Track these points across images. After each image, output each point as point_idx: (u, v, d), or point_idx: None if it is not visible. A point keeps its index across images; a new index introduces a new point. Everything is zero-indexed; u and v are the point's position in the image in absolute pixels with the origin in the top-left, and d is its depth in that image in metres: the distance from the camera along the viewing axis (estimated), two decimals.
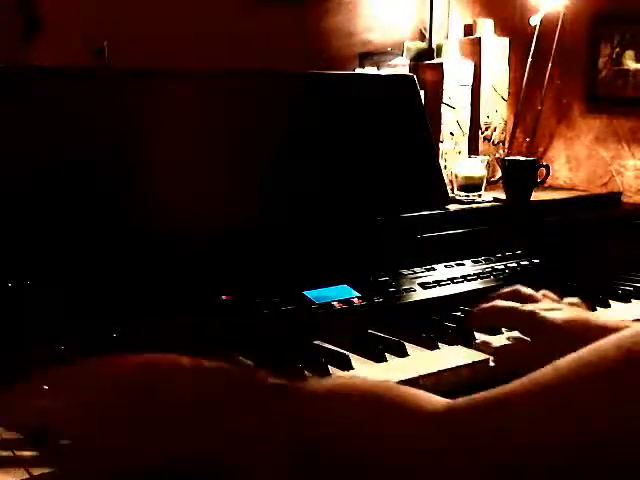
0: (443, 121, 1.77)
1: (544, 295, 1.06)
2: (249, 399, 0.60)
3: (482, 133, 1.88)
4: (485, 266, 1.38)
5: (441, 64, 1.77)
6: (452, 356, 1.04)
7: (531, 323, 0.99)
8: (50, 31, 1.46)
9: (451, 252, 1.37)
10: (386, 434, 0.55)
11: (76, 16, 1.48)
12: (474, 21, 1.94)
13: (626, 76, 1.87)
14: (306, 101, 1.39)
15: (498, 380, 0.56)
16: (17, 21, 1.44)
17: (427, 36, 1.87)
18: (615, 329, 0.93)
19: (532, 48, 1.92)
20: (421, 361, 1.02)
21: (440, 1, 1.94)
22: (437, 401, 0.57)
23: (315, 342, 1.07)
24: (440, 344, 1.07)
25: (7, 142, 1.09)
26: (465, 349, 1.06)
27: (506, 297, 1.06)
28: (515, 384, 0.54)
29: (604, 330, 0.94)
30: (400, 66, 1.80)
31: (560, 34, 1.91)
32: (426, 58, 1.83)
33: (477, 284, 1.31)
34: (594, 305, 1.25)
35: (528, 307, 1.02)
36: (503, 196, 1.66)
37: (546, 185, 1.81)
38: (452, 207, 1.52)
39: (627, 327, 0.92)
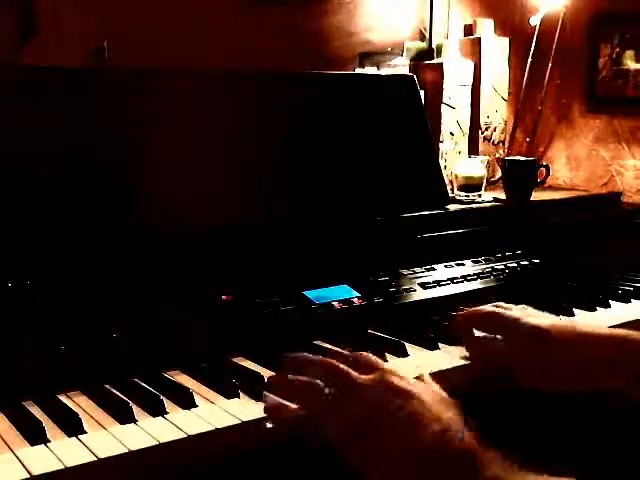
0: (443, 121, 1.77)
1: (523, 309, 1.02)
2: None
3: (482, 133, 1.88)
4: (485, 266, 1.38)
5: (441, 64, 1.77)
6: (452, 356, 1.03)
7: (517, 327, 0.97)
8: (50, 31, 1.46)
9: (451, 252, 1.37)
10: None
11: (76, 16, 1.48)
12: (474, 21, 1.94)
13: (626, 76, 1.87)
14: (306, 101, 1.39)
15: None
16: (14, 22, 1.44)
17: (427, 36, 1.88)
18: (608, 337, 0.92)
19: (532, 48, 1.92)
20: (421, 361, 1.01)
21: (440, 1, 1.94)
22: None
23: (315, 342, 1.07)
24: (440, 344, 1.06)
25: (7, 142, 1.09)
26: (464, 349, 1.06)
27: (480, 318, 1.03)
28: None
29: (595, 337, 0.93)
30: (400, 66, 1.81)
31: (560, 34, 1.92)
32: (426, 58, 1.83)
33: (477, 284, 1.31)
34: (594, 305, 1.25)
35: (514, 313, 1.00)
36: (503, 196, 1.66)
37: (546, 185, 1.81)
38: (452, 207, 1.52)
39: (621, 336, 0.91)
